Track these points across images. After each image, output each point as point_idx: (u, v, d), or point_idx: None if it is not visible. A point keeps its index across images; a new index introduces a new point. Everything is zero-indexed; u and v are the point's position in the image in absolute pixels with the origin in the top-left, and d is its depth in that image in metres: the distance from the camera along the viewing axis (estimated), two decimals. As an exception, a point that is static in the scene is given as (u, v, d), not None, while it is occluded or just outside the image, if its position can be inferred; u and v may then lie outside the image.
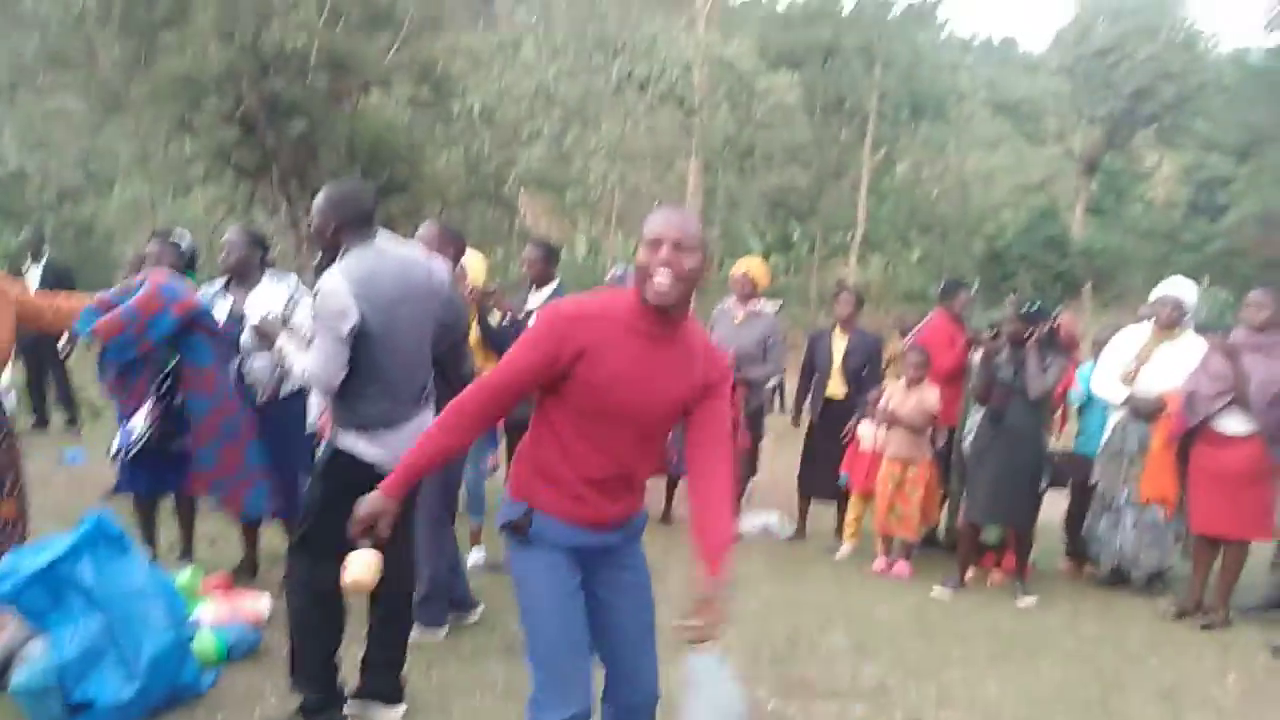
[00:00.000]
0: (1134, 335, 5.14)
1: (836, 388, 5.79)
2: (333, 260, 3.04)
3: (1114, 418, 5.07)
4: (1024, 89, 30.84)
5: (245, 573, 4.60)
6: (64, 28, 12.45)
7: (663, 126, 16.28)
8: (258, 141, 12.76)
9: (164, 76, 11.95)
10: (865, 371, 5.78)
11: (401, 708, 3.26)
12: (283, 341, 3.26)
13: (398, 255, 3.15)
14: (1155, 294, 5.08)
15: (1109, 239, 25.33)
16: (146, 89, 12.41)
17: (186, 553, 4.66)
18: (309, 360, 2.99)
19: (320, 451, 3.12)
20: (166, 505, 4.67)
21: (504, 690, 3.52)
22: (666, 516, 6.05)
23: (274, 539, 4.68)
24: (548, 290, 5.18)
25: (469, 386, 2.34)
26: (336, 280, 2.91)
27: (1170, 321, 4.94)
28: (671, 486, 6.08)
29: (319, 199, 3.07)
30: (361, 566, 2.41)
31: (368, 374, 2.97)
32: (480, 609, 4.23)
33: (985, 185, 27.11)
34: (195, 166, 13.99)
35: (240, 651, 3.59)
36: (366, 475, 2.99)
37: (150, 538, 4.49)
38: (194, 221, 16.04)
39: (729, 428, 2.36)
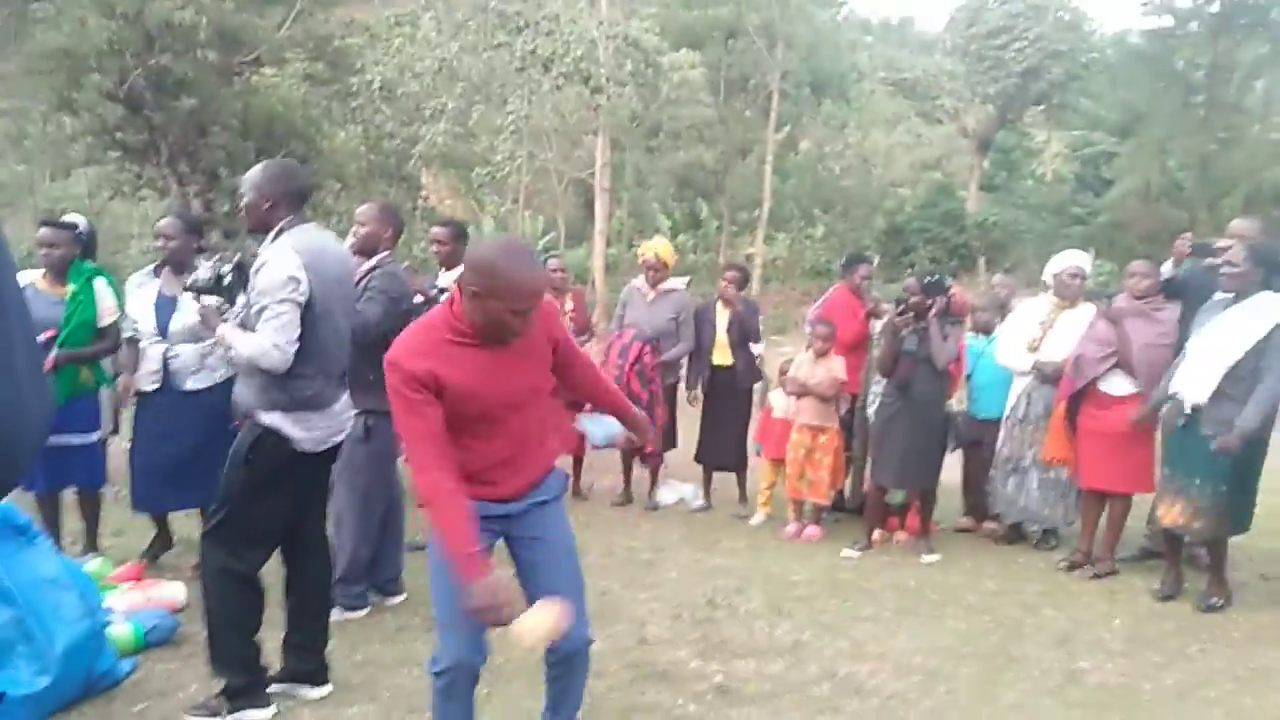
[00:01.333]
0: (1034, 306, 5.40)
1: (722, 355, 5.92)
2: (258, 240, 3.01)
3: (1018, 384, 5.33)
4: (921, 68, 31.64)
5: (154, 553, 4.50)
6: (-75, -3, 11.69)
7: (569, 104, 16.19)
8: (144, 120, 12.22)
9: (40, 51, 11.31)
10: (745, 331, 5.93)
11: (327, 688, 3.26)
12: (225, 330, 3.06)
13: (330, 237, 3.15)
14: (1057, 265, 5.31)
15: (1002, 213, 26.32)
16: (20, 63, 11.74)
17: (92, 545, 4.52)
18: (261, 338, 2.86)
19: (242, 435, 3.03)
20: (68, 499, 4.52)
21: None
22: (576, 490, 6.11)
23: (184, 525, 4.58)
24: (458, 271, 5.10)
25: (433, 482, 2.33)
26: (286, 252, 2.87)
27: (1075, 291, 5.18)
28: (578, 463, 6.13)
29: (254, 173, 3.03)
30: (539, 622, 2.24)
31: (307, 351, 2.93)
32: (403, 596, 4.23)
33: (885, 163, 27.85)
34: (77, 146, 13.30)
35: (157, 639, 3.52)
36: (291, 457, 2.96)
37: (55, 532, 4.34)
38: (77, 204, 15.30)
39: (585, 353, 2.64)
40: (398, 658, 3.60)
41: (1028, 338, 5.22)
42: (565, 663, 2.64)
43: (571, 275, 6.32)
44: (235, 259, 3.29)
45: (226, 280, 3.22)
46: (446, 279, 5.03)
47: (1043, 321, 5.22)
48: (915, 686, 3.55)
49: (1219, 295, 4.50)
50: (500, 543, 2.60)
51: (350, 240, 4.07)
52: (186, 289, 3.42)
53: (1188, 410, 4.29)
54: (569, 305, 6.06)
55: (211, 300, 3.19)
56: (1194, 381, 4.28)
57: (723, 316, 5.98)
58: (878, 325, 5.63)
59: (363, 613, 4.01)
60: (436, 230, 5.21)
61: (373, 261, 4.03)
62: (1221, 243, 4.82)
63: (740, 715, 3.26)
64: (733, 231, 23.68)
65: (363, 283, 3.95)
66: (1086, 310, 5.05)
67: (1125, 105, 23.31)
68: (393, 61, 14.67)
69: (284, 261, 2.87)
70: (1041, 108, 29.45)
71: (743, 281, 6.15)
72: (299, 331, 2.90)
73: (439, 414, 2.33)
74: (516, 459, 2.49)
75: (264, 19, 12.95)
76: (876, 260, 22.78)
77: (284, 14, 13.13)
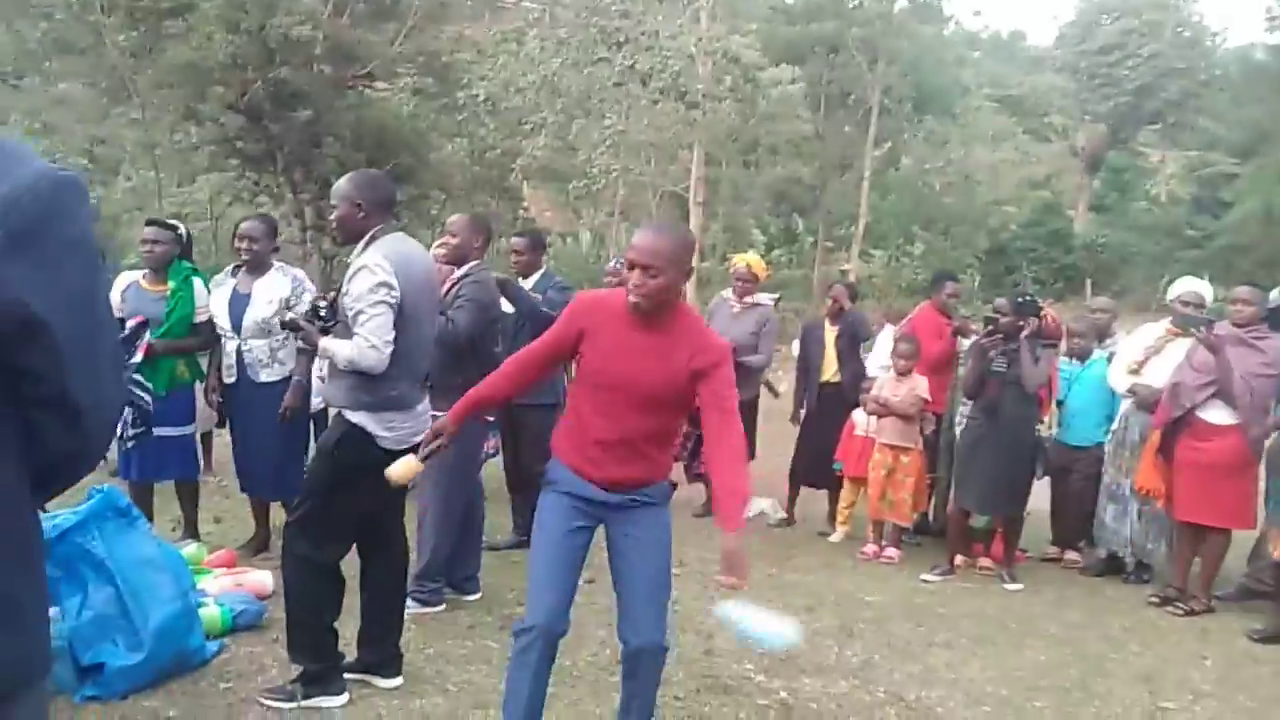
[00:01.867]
0: (1150, 331, 5.23)
1: (831, 373, 5.90)
2: (350, 246, 3.17)
3: (1121, 408, 5.17)
4: (1028, 85, 30.81)
5: (254, 548, 4.72)
6: (70, 14, 12.52)
7: (665, 119, 16.34)
8: (262, 130, 12.85)
9: (170, 64, 12.03)
10: (856, 347, 5.94)
11: (399, 679, 3.37)
12: (325, 342, 3.19)
13: (416, 244, 3.30)
14: (1175, 290, 5.14)
15: (1112, 235, 25.40)
16: (152, 77, 12.51)
17: (193, 534, 4.77)
18: (359, 340, 3.00)
19: (329, 430, 3.19)
20: (168, 489, 4.78)
21: (499, 663, 3.62)
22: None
23: (282, 515, 4.79)
24: (535, 278, 5.14)
25: (520, 350, 2.90)
26: (379, 259, 3.03)
27: (1189, 320, 4.96)
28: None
29: (345, 185, 3.18)
30: (403, 465, 2.86)
31: (395, 354, 3.06)
32: (479, 595, 4.35)
33: (990, 180, 27.17)
34: (200, 154, 14.08)
35: (245, 623, 3.70)
36: (377, 455, 3.10)
37: (148, 518, 4.61)
38: (199, 210, 16.16)
39: (733, 404, 2.66)
40: (469, 654, 3.70)
41: (1132, 360, 5.05)
42: (633, 659, 2.74)
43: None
44: (331, 297, 3.45)
45: (323, 313, 3.38)
46: (525, 287, 5.10)
47: (1149, 346, 5.04)
48: (986, 716, 3.47)
49: None
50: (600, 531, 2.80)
51: (439, 250, 4.21)
52: (284, 325, 3.61)
53: None
54: None
55: (294, 313, 3.40)
56: None
57: (830, 333, 5.97)
58: (965, 344, 5.52)
59: (439, 608, 4.14)
60: (515, 240, 5.32)
61: (464, 269, 4.17)
62: None
63: (802, 733, 3.25)
64: (828, 248, 23.45)
65: (453, 290, 4.11)
66: (1199, 339, 4.85)
67: (1248, 123, 22.24)
68: (498, 77, 15.09)
69: (378, 267, 3.02)
70: (1156, 126, 28.29)
71: (853, 297, 6.18)
72: (394, 333, 3.04)
73: (550, 353, 2.78)
74: (618, 449, 2.66)
75: (377, 35, 13.49)
76: (978, 281, 22.15)
77: (396, 30, 13.66)
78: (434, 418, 3.67)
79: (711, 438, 2.66)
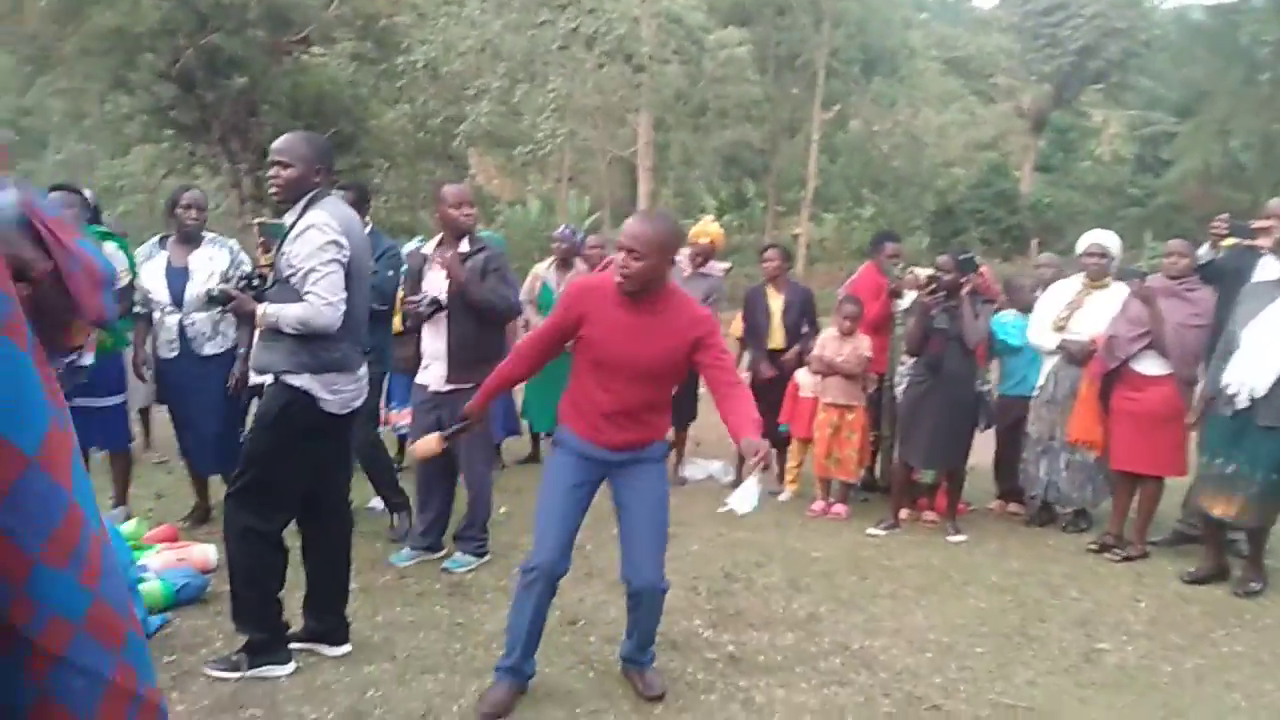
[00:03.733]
0: (1066, 286, 5.32)
1: (778, 340, 5.92)
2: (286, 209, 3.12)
3: (1047, 364, 5.26)
4: (974, 46, 31.01)
5: (194, 520, 4.66)
6: (-13, -22, 12.05)
7: (611, 83, 16.18)
8: (196, 99, 12.50)
9: (96, 31, 11.62)
10: (803, 321, 5.92)
11: (346, 647, 3.36)
12: (266, 308, 3.09)
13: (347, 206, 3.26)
14: (1082, 244, 5.26)
15: (1057, 194, 25.79)
16: (78, 43, 12.07)
17: (121, 499, 4.71)
18: (313, 299, 2.96)
19: (269, 399, 3.11)
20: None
21: (448, 629, 3.64)
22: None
23: (217, 489, 4.73)
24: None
25: (529, 335, 3.18)
26: (325, 217, 2.99)
27: (1097, 270, 5.13)
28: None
29: (303, 146, 3.12)
30: (424, 444, 3.28)
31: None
32: (444, 552, 4.42)
33: (937, 142, 27.37)
34: (133, 125, 13.67)
35: (187, 597, 3.65)
36: (320, 421, 3.06)
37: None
38: (133, 182, 15.71)
39: (730, 361, 3.01)
40: (417, 620, 3.69)
41: (1055, 317, 5.14)
42: (635, 598, 3.10)
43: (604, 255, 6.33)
44: (263, 266, 3.35)
45: (255, 281, 3.30)
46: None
47: (1070, 301, 5.14)
48: (928, 662, 3.55)
49: (1262, 276, 4.39)
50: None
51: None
52: (214, 299, 3.49)
53: (1246, 401, 4.17)
54: None
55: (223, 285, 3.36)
56: (1253, 371, 4.15)
57: (776, 301, 5.96)
58: (901, 304, 5.57)
59: (485, 559, 4.36)
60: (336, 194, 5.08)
61: (477, 245, 4.23)
62: (1259, 223, 4.70)
63: (749, 684, 3.29)
64: (779, 211, 23.52)
65: (470, 264, 4.15)
66: (1117, 291, 4.96)
67: (1186, 83, 22.62)
68: (438, 40, 14.80)
69: (326, 226, 2.98)
70: (1099, 87, 28.71)
71: (786, 259, 6.18)
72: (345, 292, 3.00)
73: (555, 337, 3.04)
74: (619, 418, 2.95)
75: (313, -2, 13.14)
76: (926, 242, 22.36)
77: (331, -7, 13.33)
78: (456, 390, 4.04)
79: (723, 393, 2.93)
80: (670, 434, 5.99)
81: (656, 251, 2.83)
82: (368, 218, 4.76)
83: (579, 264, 6.29)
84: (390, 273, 4.56)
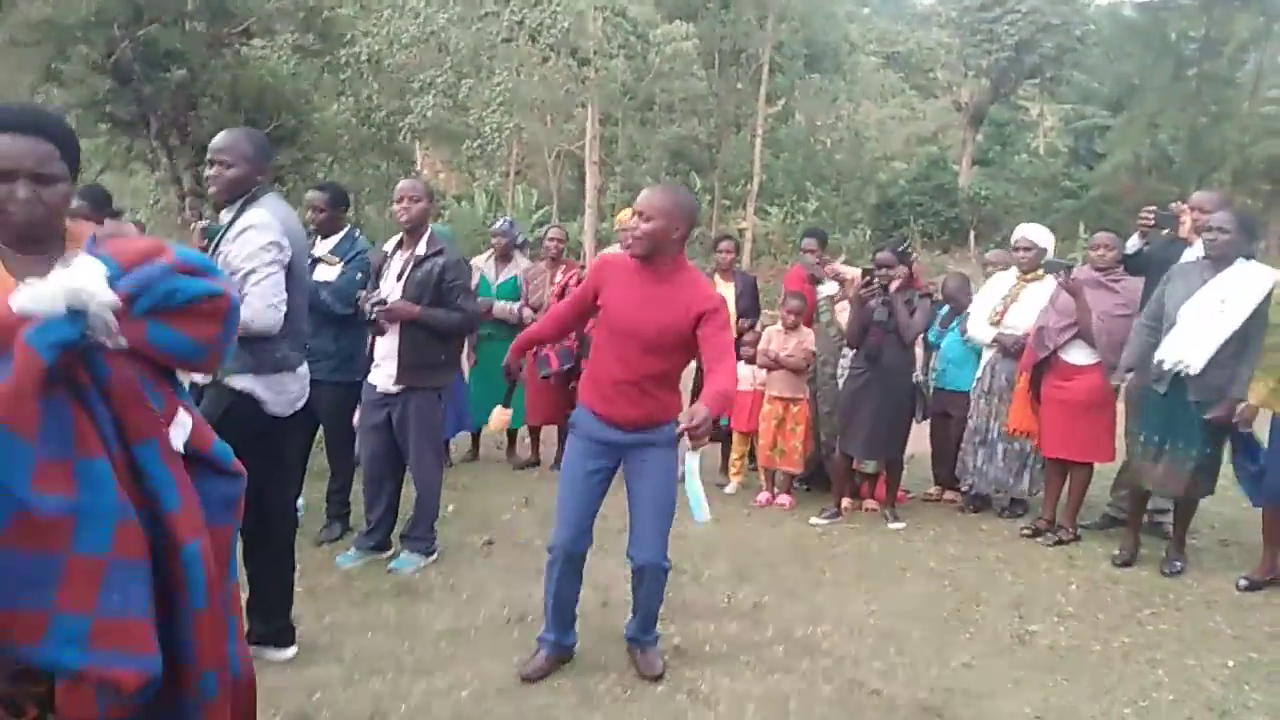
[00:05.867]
0: (1003, 280, 5.48)
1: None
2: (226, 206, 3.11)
3: (986, 356, 5.41)
4: (914, 41, 31.49)
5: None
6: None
7: (557, 77, 16.16)
8: (133, 92, 12.21)
9: (25, 21, 11.29)
10: (750, 309, 6.05)
11: (293, 650, 3.35)
12: None
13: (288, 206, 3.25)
14: (1014, 238, 5.43)
15: (994, 187, 26.31)
16: (6, 33, 11.72)
17: None
18: (255, 301, 2.90)
19: (209, 403, 3.07)
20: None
21: (396, 628, 3.65)
22: (558, 460, 6.18)
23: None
24: (336, 239, 4.57)
25: (561, 301, 3.40)
26: (267, 216, 2.97)
27: (1028, 263, 5.29)
28: (562, 434, 6.21)
29: (246, 144, 3.10)
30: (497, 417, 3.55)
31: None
32: (392, 551, 4.41)
33: (879, 136, 27.79)
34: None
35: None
36: (264, 424, 3.03)
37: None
38: (67, 177, 15.28)
39: (726, 339, 3.12)
40: (364, 621, 3.69)
41: (991, 310, 5.30)
42: (639, 574, 3.28)
43: (565, 248, 6.35)
44: None
45: None
46: (324, 248, 4.54)
47: (1005, 295, 5.29)
48: (868, 648, 3.65)
49: (1190, 259, 4.56)
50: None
51: (404, 217, 4.16)
52: None
53: (1183, 376, 4.32)
54: (559, 277, 6.03)
55: None
56: (1189, 349, 4.28)
57: (727, 290, 6.00)
58: (822, 290, 5.68)
59: (433, 558, 4.39)
60: (313, 195, 4.60)
61: (434, 247, 4.17)
62: (1175, 205, 4.92)
63: (695, 674, 3.36)
64: (725, 205, 23.68)
65: (422, 270, 4.11)
66: (1049, 283, 5.12)
67: (1118, 78, 23.23)
68: (382, 33, 14.65)
69: (267, 226, 2.96)
70: (1035, 81, 29.35)
71: (737, 250, 6.29)
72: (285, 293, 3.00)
73: (579, 305, 3.25)
74: (629, 389, 3.10)
75: (253, -12, 12.91)
76: (868, 235, 22.67)
77: (272, -16, 13.11)
78: (406, 390, 4.13)
79: (707, 367, 3.10)
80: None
81: (664, 215, 3.00)
82: (349, 218, 4.74)
83: (518, 257, 6.32)
84: (359, 275, 4.47)
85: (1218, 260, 4.31)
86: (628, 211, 6.22)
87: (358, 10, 15.11)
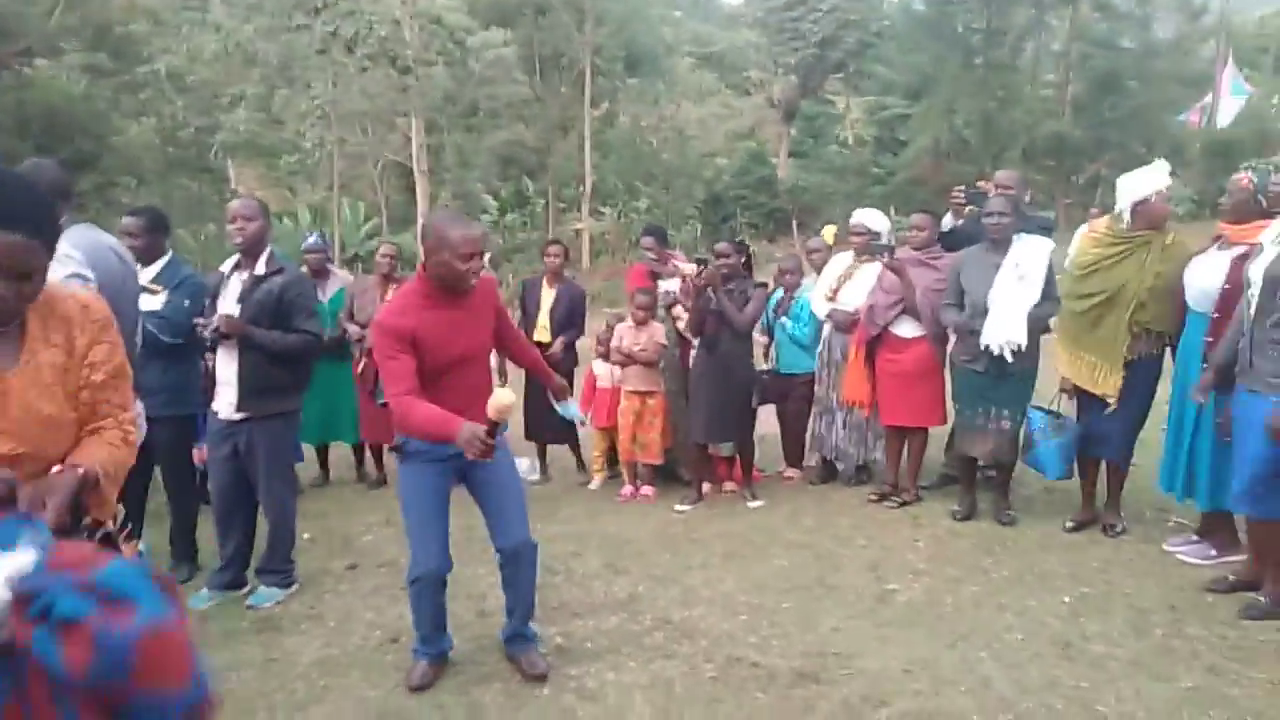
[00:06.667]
0: (842, 260, 5.77)
1: (543, 334, 6.03)
2: None
3: (824, 331, 5.69)
4: (726, 42, 32.55)
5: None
6: None
7: (377, 87, 15.75)
8: (-102, 119, 11.07)
9: None
10: (571, 319, 6.09)
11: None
12: None
13: (106, 234, 3.06)
14: (850, 223, 5.72)
15: (810, 178, 27.55)
16: None
17: None
18: None
19: None
20: None
21: (263, 666, 3.49)
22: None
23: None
24: (158, 266, 4.33)
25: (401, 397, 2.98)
26: (66, 247, 2.77)
27: (862, 246, 5.58)
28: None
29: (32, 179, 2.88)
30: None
31: None
32: (248, 588, 4.23)
33: (701, 134, 28.56)
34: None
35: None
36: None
37: None
38: None
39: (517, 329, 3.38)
40: (228, 662, 3.49)
41: (828, 288, 5.59)
42: (513, 560, 3.28)
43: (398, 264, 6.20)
44: None
45: None
46: (145, 276, 4.21)
47: (840, 274, 5.59)
48: (742, 624, 3.78)
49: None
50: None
51: (239, 239, 4.01)
52: None
53: (1009, 355, 4.65)
54: (389, 295, 5.88)
55: None
56: (1010, 328, 4.63)
57: (548, 296, 6.06)
58: (662, 285, 5.85)
59: (294, 588, 4.26)
60: (127, 221, 4.27)
61: (274, 266, 4.02)
62: (983, 184, 5.33)
63: (579, 671, 3.38)
64: (560, 208, 23.74)
65: (261, 290, 3.96)
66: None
67: (914, 69, 24.78)
68: (182, 49, 13.86)
69: (67, 258, 2.77)
70: (840, 75, 30.90)
71: (566, 255, 6.37)
72: None
73: (412, 361, 2.98)
74: (465, 411, 2.94)
75: (33, 5, 11.97)
76: (700, 229, 23.20)
77: (53, 0, 12.18)
78: (249, 419, 3.98)
79: (520, 352, 3.54)
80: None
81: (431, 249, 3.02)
82: (168, 244, 4.46)
83: (335, 271, 6.31)
84: (186, 303, 4.22)
85: (999, 242, 4.72)
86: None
87: (153, 26, 14.23)
